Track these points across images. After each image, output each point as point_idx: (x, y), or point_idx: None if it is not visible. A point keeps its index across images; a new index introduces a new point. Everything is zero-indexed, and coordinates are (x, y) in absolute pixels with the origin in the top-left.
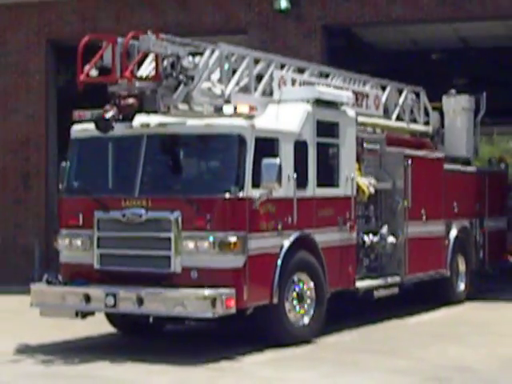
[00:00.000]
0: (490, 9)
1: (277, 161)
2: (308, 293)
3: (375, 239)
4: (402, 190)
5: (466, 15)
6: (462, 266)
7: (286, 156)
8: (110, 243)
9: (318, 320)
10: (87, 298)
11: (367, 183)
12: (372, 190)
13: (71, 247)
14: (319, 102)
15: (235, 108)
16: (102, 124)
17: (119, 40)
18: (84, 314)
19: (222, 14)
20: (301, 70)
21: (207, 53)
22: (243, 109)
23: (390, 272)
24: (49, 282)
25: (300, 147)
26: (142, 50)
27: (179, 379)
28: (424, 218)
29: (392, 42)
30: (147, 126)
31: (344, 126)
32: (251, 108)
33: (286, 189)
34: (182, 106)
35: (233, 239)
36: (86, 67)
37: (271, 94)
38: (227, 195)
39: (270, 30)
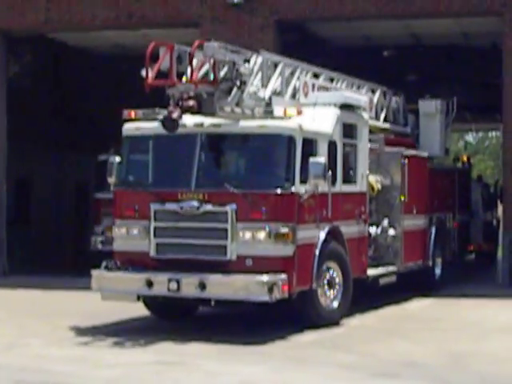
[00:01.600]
0: (442, 6)
1: (323, 159)
2: (337, 280)
3: (378, 231)
4: (399, 187)
5: (417, 12)
6: (439, 257)
7: (322, 155)
8: (166, 233)
9: (345, 304)
10: (149, 283)
11: (375, 180)
12: (379, 186)
13: (127, 236)
14: (344, 106)
15: (285, 111)
16: (170, 124)
17: (176, 47)
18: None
19: (174, 7)
20: (315, 75)
21: (253, 59)
22: (292, 112)
23: (388, 262)
24: (108, 268)
25: (332, 147)
26: (206, 57)
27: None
28: (415, 212)
29: (345, 38)
30: (201, 125)
31: (361, 128)
32: (299, 111)
33: (323, 185)
34: (233, 109)
35: (286, 230)
36: (150, 72)
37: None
38: (279, 190)
39: (222, 23)
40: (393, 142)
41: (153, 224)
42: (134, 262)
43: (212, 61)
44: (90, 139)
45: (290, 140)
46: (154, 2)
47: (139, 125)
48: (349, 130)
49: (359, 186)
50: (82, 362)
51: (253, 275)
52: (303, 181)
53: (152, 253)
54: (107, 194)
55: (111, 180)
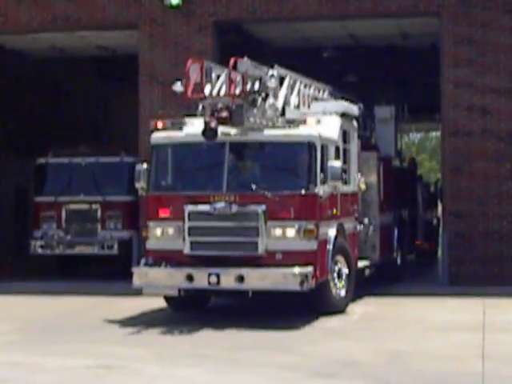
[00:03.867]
0: (380, 7)
1: (339, 163)
2: (343, 271)
3: (361, 228)
4: (376, 187)
5: (355, 12)
6: (399, 251)
7: (332, 159)
8: (200, 232)
9: (350, 293)
10: (190, 278)
11: (361, 181)
12: (364, 186)
13: (162, 236)
14: (343, 114)
15: (305, 120)
16: (209, 133)
17: (205, 63)
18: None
19: (112, 9)
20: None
21: (270, 73)
22: (312, 121)
23: (365, 255)
24: (148, 265)
25: (337, 151)
26: (240, 73)
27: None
28: (386, 209)
29: (284, 39)
30: (228, 134)
31: (353, 134)
32: (318, 121)
33: (339, 186)
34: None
35: (312, 227)
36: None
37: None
38: (304, 191)
39: (160, 25)
40: (365, 146)
41: (187, 224)
42: (169, 259)
43: (241, 76)
44: (28, 142)
45: (312, 146)
46: (92, 4)
47: (169, 134)
48: (345, 136)
49: (353, 187)
50: (18, 367)
51: (286, 268)
52: (322, 182)
53: (186, 250)
54: (46, 197)
55: (139, 185)
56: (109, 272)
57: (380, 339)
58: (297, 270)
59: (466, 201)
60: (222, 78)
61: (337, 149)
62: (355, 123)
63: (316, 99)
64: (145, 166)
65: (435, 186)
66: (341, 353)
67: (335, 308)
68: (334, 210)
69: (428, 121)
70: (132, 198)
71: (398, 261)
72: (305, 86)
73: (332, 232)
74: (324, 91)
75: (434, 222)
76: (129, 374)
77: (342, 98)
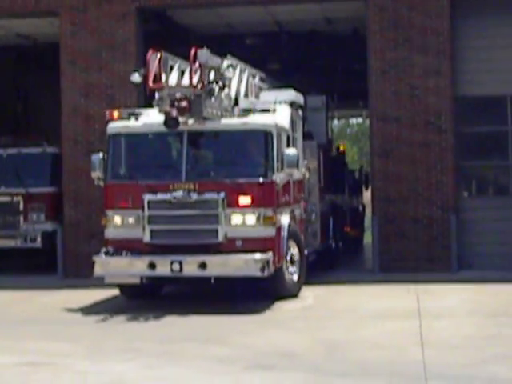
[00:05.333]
0: None
1: (295, 151)
2: (296, 257)
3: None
4: (317, 174)
5: None
6: (333, 238)
7: (284, 146)
8: (160, 221)
9: (302, 278)
10: (152, 265)
11: (305, 168)
12: (308, 173)
13: (121, 225)
14: (291, 104)
15: (264, 110)
16: (171, 122)
17: (164, 53)
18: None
19: None
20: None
21: (228, 63)
22: (271, 109)
23: (308, 242)
24: (108, 254)
25: (288, 139)
26: (200, 63)
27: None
28: (324, 197)
29: (208, 26)
30: (186, 123)
31: (298, 123)
32: (274, 110)
33: (295, 173)
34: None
35: (271, 214)
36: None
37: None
38: (262, 179)
39: (81, 12)
40: (306, 134)
41: (147, 213)
42: (128, 248)
43: (198, 66)
44: None
45: (269, 135)
46: None
47: (126, 123)
48: (293, 125)
49: (300, 174)
50: None
51: (247, 254)
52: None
53: (146, 239)
54: None
55: (95, 175)
56: (32, 265)
57: (316, 328)
58: (258, 256)
59: (395, 186)
60: (176, 67)
61: (287, 137)
62: (300, 112)
63: (260, 88)
64: (101, 155)
65: (359, 173)
66: (277, 343)
67: (289, 293)
68: (287, 197)
69: (351, 108)
70: (55, 190)
71: (333, 248)
72: (251, 76)
73: (286, 219)
74: (261, 79)
75: (360, 208)
76: (58, 370)
77: (280, 87)
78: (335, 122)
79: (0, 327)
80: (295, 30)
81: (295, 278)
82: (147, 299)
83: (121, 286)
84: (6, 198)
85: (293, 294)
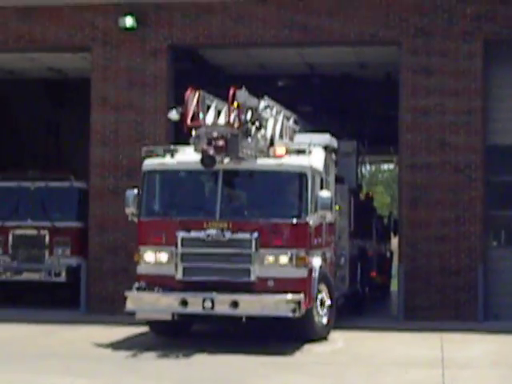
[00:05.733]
0: (337, 35)
1: (330, 193)
2: (326, 299)
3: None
4: (347, 218)
5: (313, 40)
6: (360, 283)
7: (318, 189)
8: (193, 258)
9: (332, 321)
10: (184, 302)
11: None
12: (339, 217)
13: (154, 261)
14: (325, 147)
15: (300, 151)
16: (208, 160)
17: (202, 92)
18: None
19: (65, 30)
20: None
21: (265, 104)
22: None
23: (337, 286)
24: (140, 289)
25: (322, 182)
26: (239, 103)
27: None
28: (353, 241)
29: (239, 65)
30: (221, 162)
31: (331, 166)
32: (309, 152)
33: (329, 216)
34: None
35: (303, 255)
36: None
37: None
38: (296, 220)
39: (114, 48)
40: (337, 178)
41: (180, 250)
42: (160, 284)
43: (236, 106)
44: None
45: (304, 176)
46: (44, 25)
47: (162, 161)
48: (326, 168)
49: (332, 217)
50: None
51: (280, 295)
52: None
53: (179, 276)
54: None
55: (129, 210)
56: (56, 300)
57: (339, 374)
58: (290, 296)
59: (423, 234)
60: (213, 107)
61: (321, 180)
62: (334, 156)
63: (294, 131)
64: (135, 191)
65: (388, 219)
66: None
67: (318, 335)
68: (320, 239)
69: (382, 153)
70: (81, 225)
71: (360, 293)
72: (286, 118)
73: (318, 261)
74: (294, 121)
75: (388, 254)
76: None
77: (312, 130)
78: (367, 167)
79: (21, 361)
80: (327, 73)
81: (324, 320)
82: (176, 337)
83: (150, 322)
84: (33, 232)
85: (322, 336)
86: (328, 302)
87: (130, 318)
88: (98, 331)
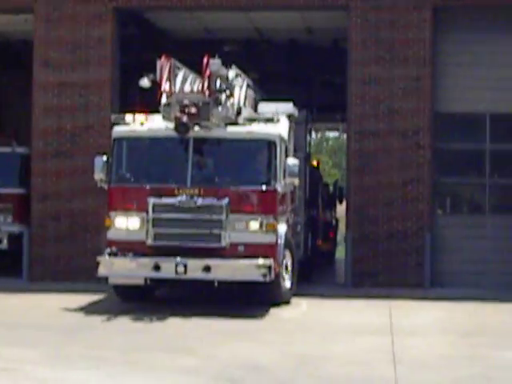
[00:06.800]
0: None
1: (297, 161)
2: (289, 264)
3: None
4: (303, 186)
5: (261, 4)
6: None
7: (283, 156)
8: (164, 224)
9: (294, 285)
10: (157, 267)
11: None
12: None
13: (125, 227)
14: (289, 116)
15: (268, 119)
16: (182, 127)
17: (172, 60)
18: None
19: None
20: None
21: (236, 72)
22: (276, 118)
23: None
24: (111, 255)
25: (286, 150)
26: (211, 72)
27: None
28: (307, 208)
29: (185, 30)
30: (192, 130)
31: (292, 135)
32: (277, 120)
33: (296, 183)
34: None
35: (273, 221)
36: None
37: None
38: (265, 187)
39: (57, 10)
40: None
41: (151, 215)
42: (130, 249)
43: (208, 74)
44: None
45: (273, 144)
46: None
47: (132, 128)
48: (289, 137)
49: (293, 185)
50: None
51: (250, 260)
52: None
53: (149, 241)
54: None
55: (98, 177)
56: None
57: (286, 342)
58: (261, 261)
59: (371, 201)
60: (180, 75)
61: (286, 148)
62: (293, 125)
63: (255, 99)
64: (104, 158)
65: (334, 187)
66: (245, 356)
67: (284, 299)
68: (285, 206)
69: (329, 121)
70: (23, 191)
71: (310, 260)
72: (249, 86)
73: (283, 227)
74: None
75: (333, 222)
76: (18, 377)
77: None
78: (313, 135)
79: None
80: (275, 38)
81: (288, 285)
82: (141, 302)
83: (117, 288)
84: None
85: (286, 300)
86: (290, 268)
87: (73, 286)
88: (41, 299)
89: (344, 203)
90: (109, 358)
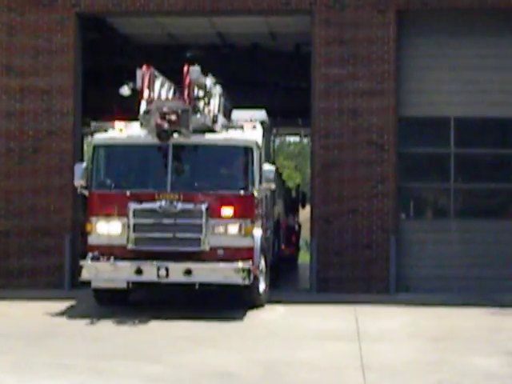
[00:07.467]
0: (250, 3)
1: (273, 167)
2: (263, 268)
3: None
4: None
5: (224, 8)
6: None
7: (258, 162)
8: (144, 228)
9: (267, 288)
10: (139, 271)
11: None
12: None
13: (106, 232)
14: (262, 122)
15: (242, 126)
16: (163, 134)
17: (152, 69)
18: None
19: None
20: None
21: (214, 81)
22: (249, 127)
23: None
24: (93, 259)
25: (260, 156)
26: (191, 80)
27: None
28: (273, 214)
29: (148, 35)
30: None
31: (263, 139)
32: (254, 127)
33: (273, 188)
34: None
35: (251, 225)
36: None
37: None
38: (243, 192)
39: (19, 15)
40: None
41: (132, 220)
42: (112, 254)
43: (188, 82)
44: None
45: (250, 150)
46: None
47: (112, 135)
48: (262, 143)
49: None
50: None
51: (231, 263)
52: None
53: (130, 245)
54: None
55: (79, 183)
56: None
57: (253, 348)
58: (240, 264)
59: (335, 206)
60: (158, 83)
61: (260, 154)
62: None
63: (226, 107)
64: (84, 164)
65: (296, 192)
66: (212, 362)
67: (260, 302)
68: (260, 211)
69: (290, 125)
70: None
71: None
72: (221, 94)
73: (259, 231)
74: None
75: (296, 227)
76: None
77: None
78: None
79: None
80: (238, 43)
81: (262, 288)
82: (118, 306)
83: (97, 292)
84: None
85: (262, 303)
86: (264, 271)
87: (36, 293)
88: (5, 307)
89: (307, 208)
90: (74, 365)
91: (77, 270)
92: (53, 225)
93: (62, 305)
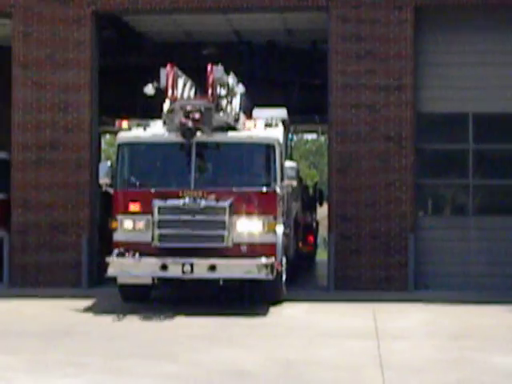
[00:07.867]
0: (267, 1)
1: (295, 164)
2: (284, 264)
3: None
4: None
5: (241, 5)
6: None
7: (280, 159)
8: (169, 225)
9: (286, 284)
10: (164, 267)
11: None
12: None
13: (131, 229)
14: (282, 121)
15: (267, 124)
16: (188, 132)
17: (175, 68)
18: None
19: None
20: None
21: (236, 80)
22: (274, 125)
23: None
24: (119, 255)
25: (281, 154)
26: (214, 79)
27: None
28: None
29: (165, 33)
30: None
31: (284, 138)
32: (276, 125)
33: (295, 185)
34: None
35: (274, 221)
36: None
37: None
38: (266, 189)
39: (35, 14)
40: None
41: (156, 218)
42: (137, 250)
43: (211, 80)
44: None
45: (272, 148)
46: None
47: (137, 133)
48: (283, 140)
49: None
50: None
51: (255, 259)
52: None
53: (155, 242)
54: None
55: (104, 181)
56: None
57: (270, 346)
58: (264, 260)
59: (353, 203)
60: (181, 82)
61: (281, 152)
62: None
63: (247, 105)
64: (108, 163)
65: (314, 189)
66: (228, 361)
67: (281, 297)
68: (282, 208)
69: (307, 123)
70: (4, 197)
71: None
72: (243, 93)
73: (281, 228)
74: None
75: (314, 225)
76: None
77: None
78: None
79: None
80: (254, 40)
81: (283, 284)
82: (141, 302)
83: (123, 287)
84: None
85: (283, 298)
86: (285, 268)
87: (54, 291)
88: (22, 305)
89: (324, 205)
90: (90, 364)
91: (102, 266)
92: (70, 222)
93: (80, 303)
